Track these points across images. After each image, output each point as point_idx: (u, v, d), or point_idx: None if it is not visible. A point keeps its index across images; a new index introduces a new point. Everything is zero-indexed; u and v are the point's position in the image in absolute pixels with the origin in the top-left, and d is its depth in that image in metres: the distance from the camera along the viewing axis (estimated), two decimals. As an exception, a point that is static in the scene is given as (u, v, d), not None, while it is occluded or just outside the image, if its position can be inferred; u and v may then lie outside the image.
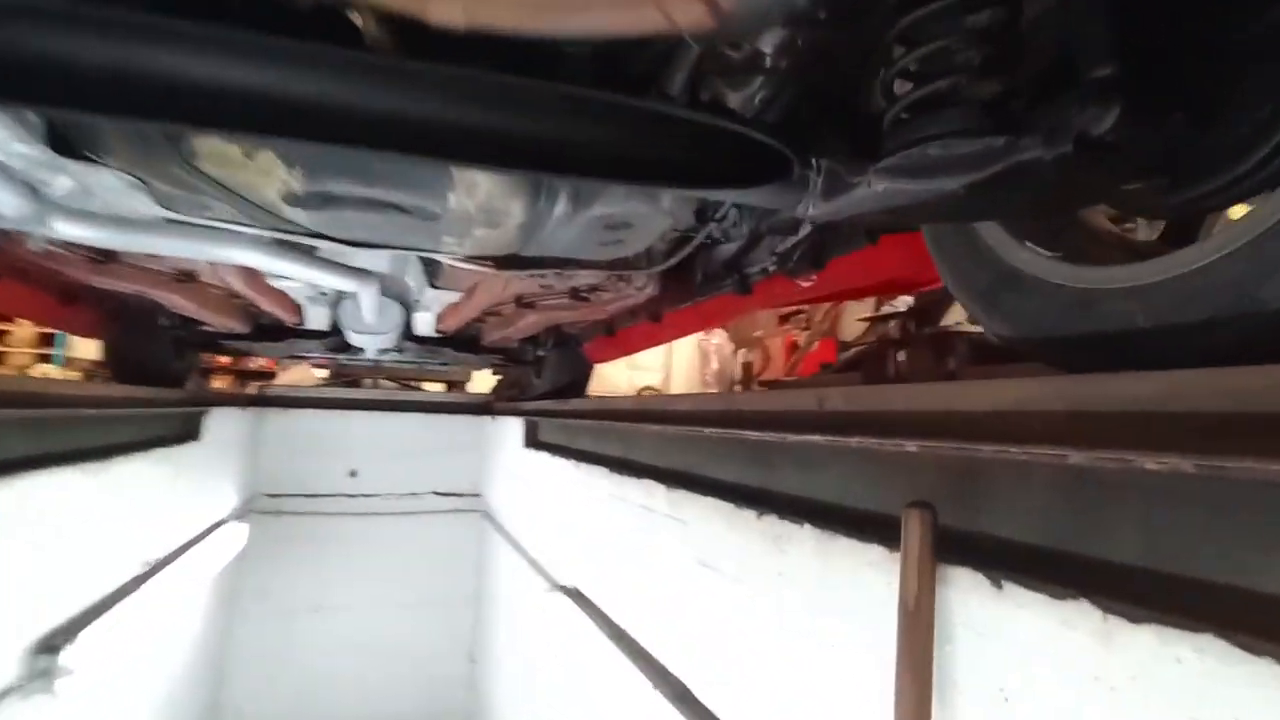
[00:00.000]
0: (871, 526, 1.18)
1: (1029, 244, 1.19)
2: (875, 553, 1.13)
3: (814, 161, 1.15)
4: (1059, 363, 1.13)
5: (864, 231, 1.53)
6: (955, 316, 3.17)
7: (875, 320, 6.15)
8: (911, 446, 1.07)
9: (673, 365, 6.47)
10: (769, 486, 1.55)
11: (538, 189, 1.29)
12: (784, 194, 1.19)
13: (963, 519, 1.02)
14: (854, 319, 6.42)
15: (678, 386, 6.47)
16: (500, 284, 2.14)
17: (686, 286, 2.14)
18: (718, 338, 6.96)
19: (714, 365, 6.99)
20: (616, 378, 6.24)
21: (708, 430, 1.70)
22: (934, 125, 1.01)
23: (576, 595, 2.64)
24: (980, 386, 1.02)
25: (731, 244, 1.97)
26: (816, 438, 1.27)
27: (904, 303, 5.91)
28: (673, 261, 1.84)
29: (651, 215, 1.38)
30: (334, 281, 1.96)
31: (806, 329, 6.67)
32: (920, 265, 1.71)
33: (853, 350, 6.38)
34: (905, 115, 1.05)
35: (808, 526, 1.31)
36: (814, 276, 1.87)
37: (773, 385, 5.17)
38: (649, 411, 2.09)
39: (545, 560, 3.08)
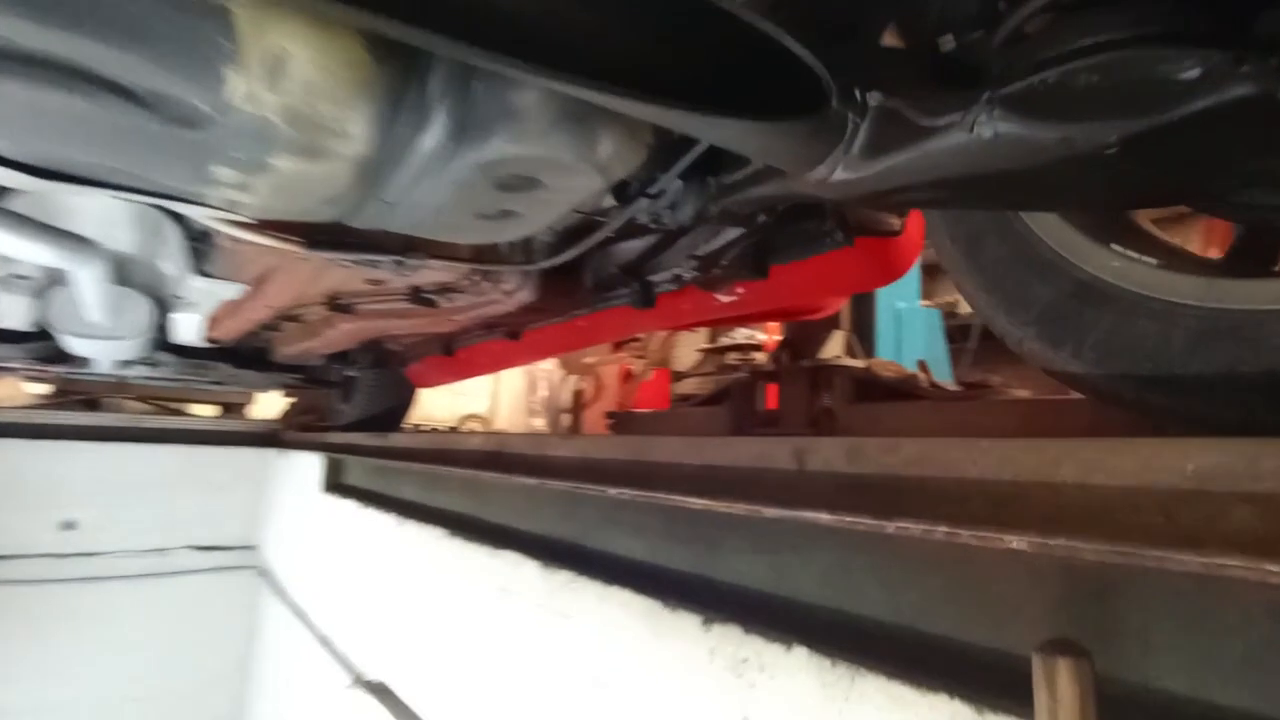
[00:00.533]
0: (918, 658, 0.77)
1: (1117, 247, 0.85)
2: (944, 708, 0.72)
3: (859, 95, 0.74)
4: (1182, 413, 0.79)
5: (842, 229, 1.14)
6: (834, 350, 2.97)
7: (711, 351, 6.02)
8: (1017, 543, 0.66)
9: (500, 391, 5.87)
10: (710, 575, 1.10)
11: (400, 91, 0.76)
12: (802, 142, 0.77)
13: (1114, 665, 0.64)
14: (691, 349, 6.26)
15: (505, 415, 5.88)
16: (307, 274, 1.51)
17: (570, 295, 1.65)
18: (548, 363, 6.45)
19: (542, 392, 6.46)
20: (434, 403, 5.51)
21: (613, 492, 1.22)
22: (1095, 31, 0.64)
23: (385, 694, 2.00)
24: (1136, 449, 0.64)
25: (637, 241, 1.52)
26: (821, 516, 0.84)
27: (743, 335, 5.82)
28: (565, 256, 1.35)
29: (576, 170, 0.89)
30: (23, 251, 1.23)
31: (642, 357, 6.40)
32: (868, 279, 1.37)
33: (687, 379, 6.19)
34: (1044, 18, 0.67)
35: (800, 650, 0.86)
36: (739, 290, 1.47)
37: (611, 415, 4.77)
38: (514, 457, 1.56)
39: (344, 641, 2.38)
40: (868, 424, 2.25)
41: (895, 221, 1.22)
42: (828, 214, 1.13)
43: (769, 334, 5.14)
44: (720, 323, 2.26)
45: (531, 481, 1.39)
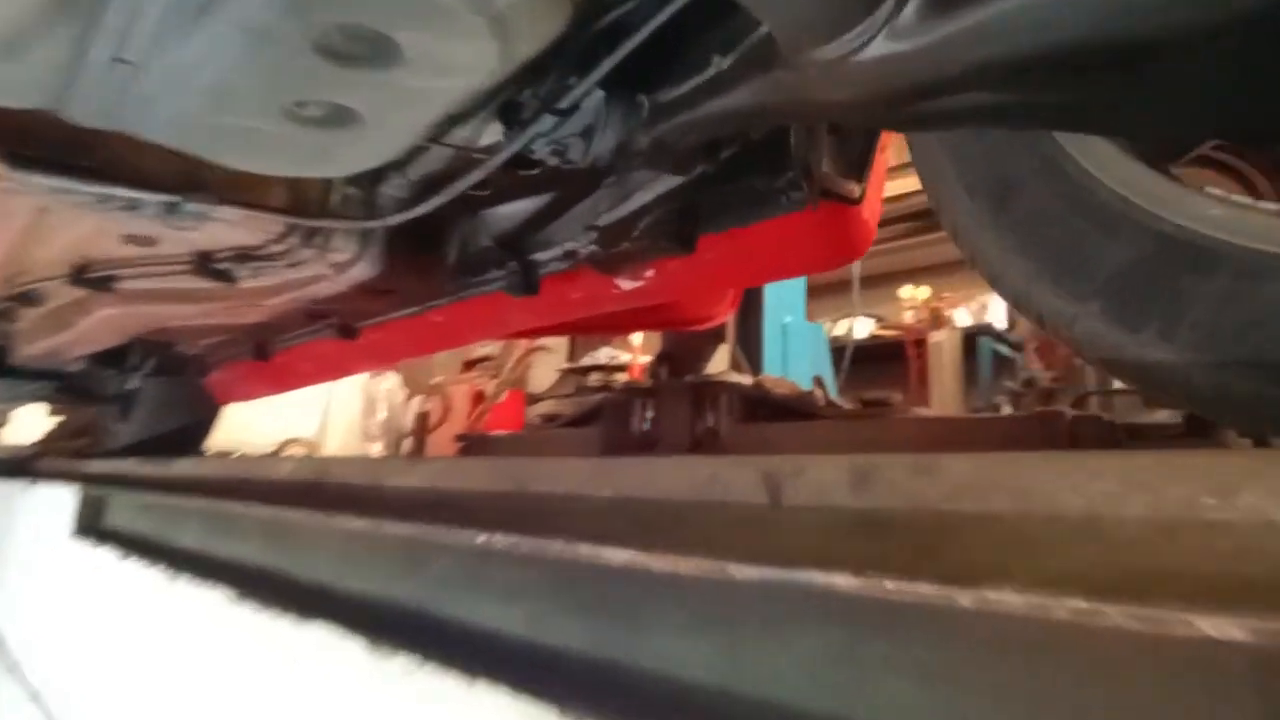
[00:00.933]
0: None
1: (1216, 190, 0.63)
2: None
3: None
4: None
5: (806, 183, 0.87)
6: (718, 365, 2.75)
7: (571, 371, 5.71)
8: (1220, 628, 0.39)
9: (332, 410, 5.18)
10: (629, 662, 0.76)
11: None
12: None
13: None
14: (549, 369, 5.93)
15: (337, 439, 5.20)
16: (22, 220, 1.03)
17: (425, 275, 1.26)
18: (389, 381, 5.82)
19: (381, 414, 5.81)
20: (247, 424, 4.72)
21: (481, 539, 0.86)
22: None
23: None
24: None
25: (520, 203, 1.17)
26: (838, 580, 0.54)
27: (605, 354, 5.56)
28: (423, 209, 0.98)
29: (459, 25, 0.55)
30: None
31: (495, 377, 5.96)
32: (823, 256, 1.11)
33: (544, 400, 5.84)
34: None
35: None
36: (648, 273, 1.16)
37: (461, 439, 4.32)
38: (338, 489, 1.14)
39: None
40: (758, 446, 2.06)
41: (855, 186, 0.97)
42: (791, 163, 0.85)
43: (634, 354, 4.91)
44: (612, 326, 1.96)
45: (361, 523, 1.00)
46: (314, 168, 0.85)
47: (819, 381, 2.22)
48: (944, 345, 3.62)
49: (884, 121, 0.62)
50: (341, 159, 0.81)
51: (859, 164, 0.97)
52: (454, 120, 0.81)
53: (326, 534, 1.16)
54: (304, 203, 1.03)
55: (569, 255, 1.16)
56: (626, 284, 1.19)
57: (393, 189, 1.06)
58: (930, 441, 1.76)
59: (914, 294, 3.97)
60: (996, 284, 0.72)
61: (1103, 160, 0.65)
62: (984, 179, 0.71)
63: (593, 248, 1.12)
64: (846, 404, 2.41)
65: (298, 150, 0.77)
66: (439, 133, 0.83)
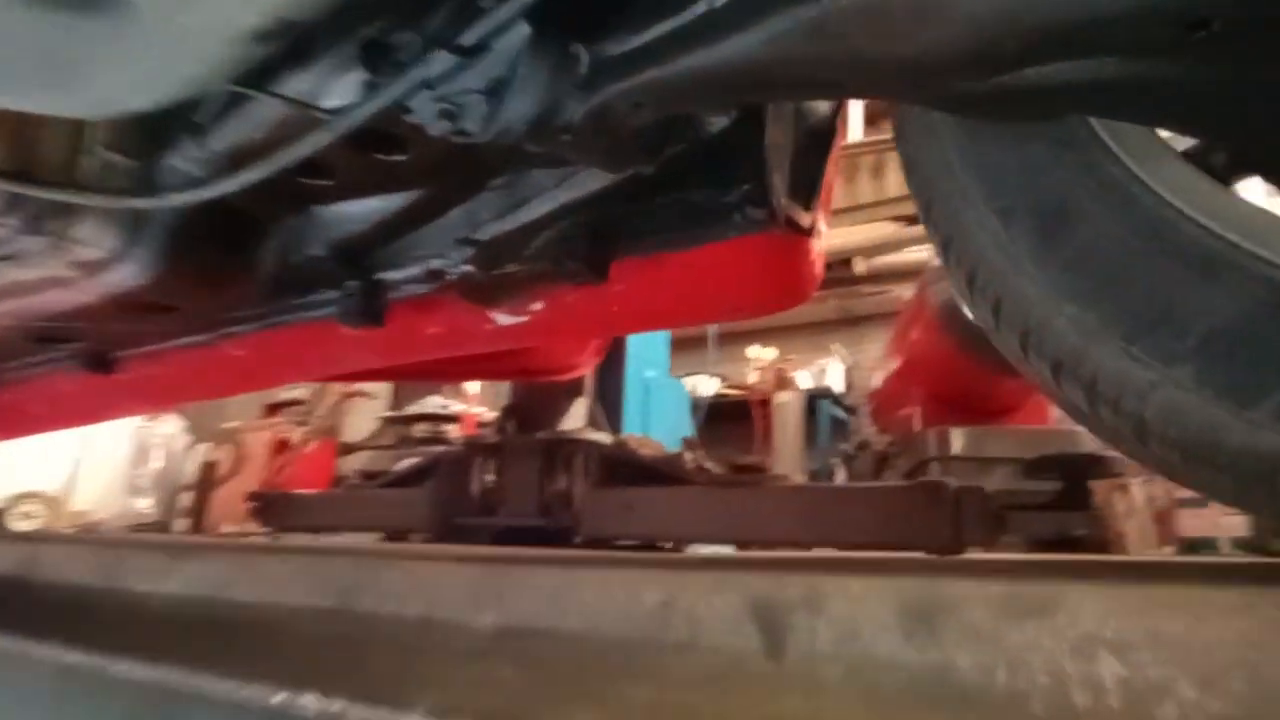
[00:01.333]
0: None
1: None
2: None
3: None
4: None
5: (765, 200, 0.67)
6: (575, 421, 2.50)
7: (394, 421, 5.22)
8: None
9: (86, 456, 4.28)
10: None
11: None
12: None
13: None
14: (368, 417, 5.38)
15: (91, 493, 4.29)
16: None
17: (224, 289, 0.92)
18: (168, 425, 4.96)
19: (155, 463, 4.91)
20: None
21: (278, 698, 0.55)
22: None
23: None
24: None
25: (370, 201, 0.88)
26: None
27: (435, 404, 5.13)
28: (217, 191, 0.67)
29: None
30: None
31: (304, 423, 5.29)
32: (765, 295, 0.91)
33: (359, 452, 5.28)
34: None
35: None
36: (536, 304, 0.91)
37: (254, 497, 3.67)
38: (55, 593, 0.76)
39: None
40: (619, 511, 1.90)
41: (804, 214, 0.80)
42: (760, 169, 0.65)
43: (468, 405, 4.54)
44: (455, 371, 1.64)
45: (77, 657, 0.64)
46: (46, 96, 0.52)
47: (690, 443, 2.06)
48: (789, 406, 3.65)
49: (954, 95, 0.44)
50: (95, 82, 0.50)
51: (807, 187, 0.80)
52: (294, 49, 0.53)
53: (22, 666, 0.76)
54: (31, 162, 0.68)
55: (431, 276, 0.88)
56: (504, 318, 0.93)
57: (184, 160, 0.73)
58: (809, 511, 1.65)
59: (761, 354, 4.01)
60: (1028, 337, 0.56)
61: (1181, 185, 0.52)
62: (1027, 202, 0.55)
63: (466, 268, 0.86)
64: (715, 467, 2.26)
65: (13, 57, 0.46)
66: (266, 67, 0.55)
